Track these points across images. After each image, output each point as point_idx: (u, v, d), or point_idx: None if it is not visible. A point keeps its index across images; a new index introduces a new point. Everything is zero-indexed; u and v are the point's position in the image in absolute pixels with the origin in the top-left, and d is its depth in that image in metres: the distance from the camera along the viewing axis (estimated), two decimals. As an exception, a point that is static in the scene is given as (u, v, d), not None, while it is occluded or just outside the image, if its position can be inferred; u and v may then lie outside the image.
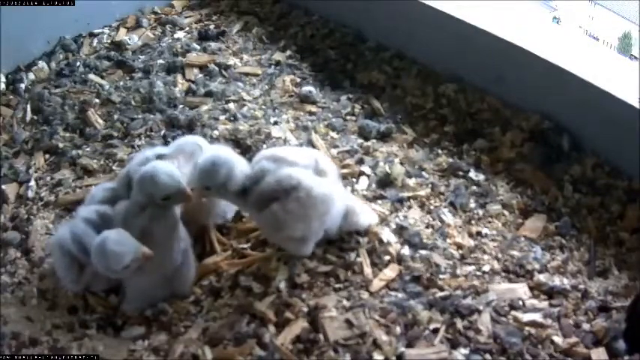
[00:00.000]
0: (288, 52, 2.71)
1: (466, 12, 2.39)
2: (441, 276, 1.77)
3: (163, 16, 2.99)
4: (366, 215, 1.87)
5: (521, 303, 1.72)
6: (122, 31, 2.89)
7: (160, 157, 1.83)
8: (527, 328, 1.65)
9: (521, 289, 1.76)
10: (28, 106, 2.51)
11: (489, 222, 1.98)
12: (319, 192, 1.68)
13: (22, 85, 2.61)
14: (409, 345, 1.60)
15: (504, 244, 1.90)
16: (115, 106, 2.45)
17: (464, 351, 1.59)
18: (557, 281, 1.78)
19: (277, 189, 1.67)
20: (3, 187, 2.18)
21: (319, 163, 1.76)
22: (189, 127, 2.30)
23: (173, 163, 1.79)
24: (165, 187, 1.66)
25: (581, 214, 2.01)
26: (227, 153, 1.73)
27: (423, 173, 2.13)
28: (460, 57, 2.45)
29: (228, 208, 1.96)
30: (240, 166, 1.71)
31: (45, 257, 1.92)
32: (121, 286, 1.80)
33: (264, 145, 2.18)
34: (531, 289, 1.77)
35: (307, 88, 2.48)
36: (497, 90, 2.38)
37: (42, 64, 2.72)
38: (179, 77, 2.59)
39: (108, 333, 1.74)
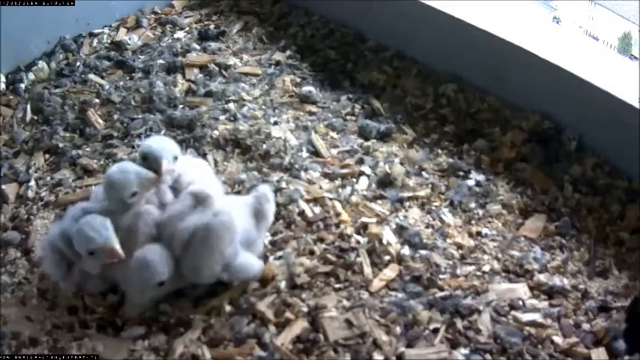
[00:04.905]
0: (288, 52, 2.70)
1: (466, 12, 2.38)
2: (441, 276, 1.77)
3: (163, 16, 2.98)
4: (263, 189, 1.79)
5: (521, 303, 1.72)
6: (122, 31, 2.89)
7: None
8: (527, 328, 1.65)
9: (521, 289, 1.76)
10: (28, 106, 2.50)
11: (489, 222, 1.98)
12: (216, 226, 1.63)
13: (22, 85, 2.60)
14: (409, 345, 1.60)
15: (504, 244, 1.90)
16: (115, 106, 2.45)
17: (464, 351, 1.59)
18: (557, 281, 1.78)
19: (185, 244, 1.64)
20: (3, 187, 2.17)
21: (195, 193, 1.69)
22: (189, 127, 2.30)
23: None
24: (126, 183, 1.67)
25: (581, 214, 2.01)
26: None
27: (423, 173, 2.13)
28: (460, 57, 2.45)
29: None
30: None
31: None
32: (119, 289, 1.80)
33: (264, 145, 2.18)
34: (531, 289, 1.77)
35: (307, 88, 2.47)
36: (497, 90, 2.38)
37: (42, 64, 2.70)
38: (179, 77, 2.59)
39: (108, 333, 1.73)
